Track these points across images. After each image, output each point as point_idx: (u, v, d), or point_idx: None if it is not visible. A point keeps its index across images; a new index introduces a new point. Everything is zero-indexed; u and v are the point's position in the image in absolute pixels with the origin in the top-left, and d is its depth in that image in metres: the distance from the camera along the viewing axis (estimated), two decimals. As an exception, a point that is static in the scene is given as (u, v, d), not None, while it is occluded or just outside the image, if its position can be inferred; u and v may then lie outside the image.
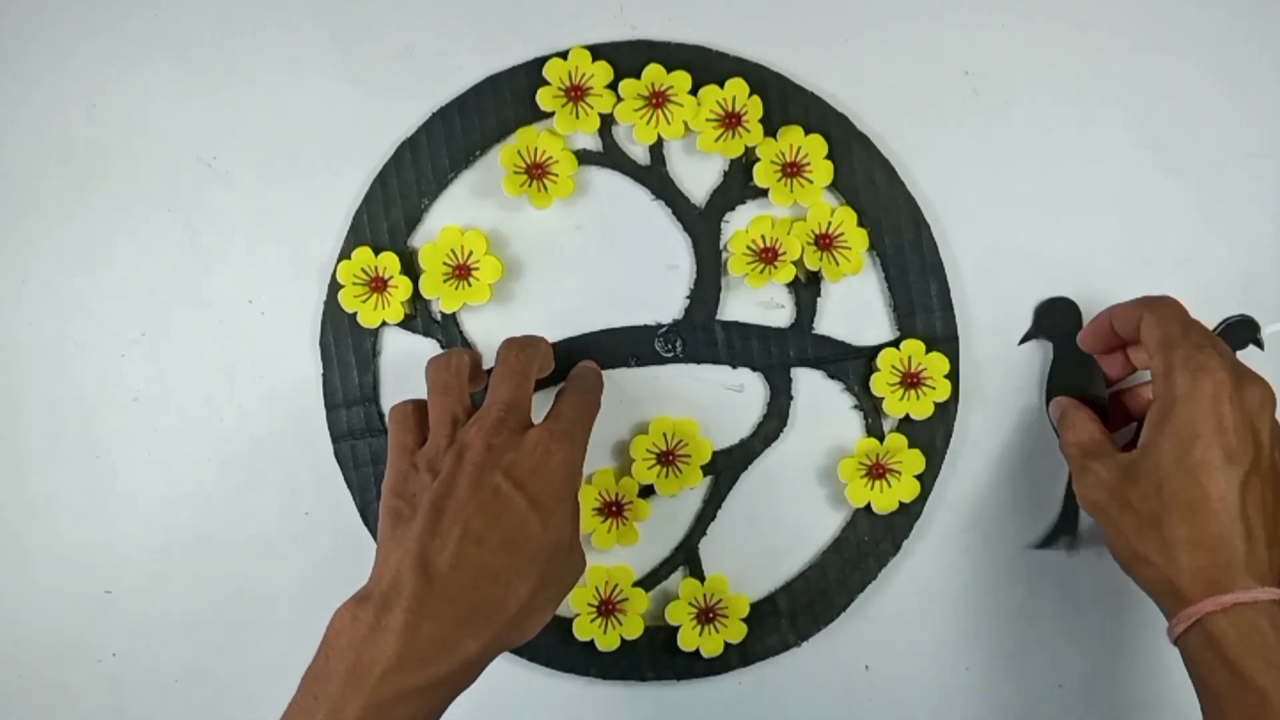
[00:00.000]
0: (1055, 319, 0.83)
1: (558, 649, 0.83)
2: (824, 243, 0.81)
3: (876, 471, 0.82)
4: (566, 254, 0.82)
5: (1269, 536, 0.65)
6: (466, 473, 0.67)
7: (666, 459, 0.81)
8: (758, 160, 0.81)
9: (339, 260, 0.81)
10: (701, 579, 0.82)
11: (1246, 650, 0.62)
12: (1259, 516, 0.65)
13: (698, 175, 0.82)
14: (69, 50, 0.83)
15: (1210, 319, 0.82)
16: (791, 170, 0.80)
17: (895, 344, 0.82)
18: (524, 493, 0.66)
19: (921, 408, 0.82)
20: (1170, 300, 0.72)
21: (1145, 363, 0.76)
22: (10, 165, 0.83)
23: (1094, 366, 0.80)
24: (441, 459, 0.69)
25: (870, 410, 0.83)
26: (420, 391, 0.76)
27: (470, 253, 0.80)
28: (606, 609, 0.82)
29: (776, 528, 0.83)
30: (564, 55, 0.80)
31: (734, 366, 0.82)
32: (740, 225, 0.81)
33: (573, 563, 0.71)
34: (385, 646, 0.61)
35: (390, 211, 0.81)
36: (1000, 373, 0.83)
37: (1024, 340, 0.83)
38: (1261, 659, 0.62)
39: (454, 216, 0.82)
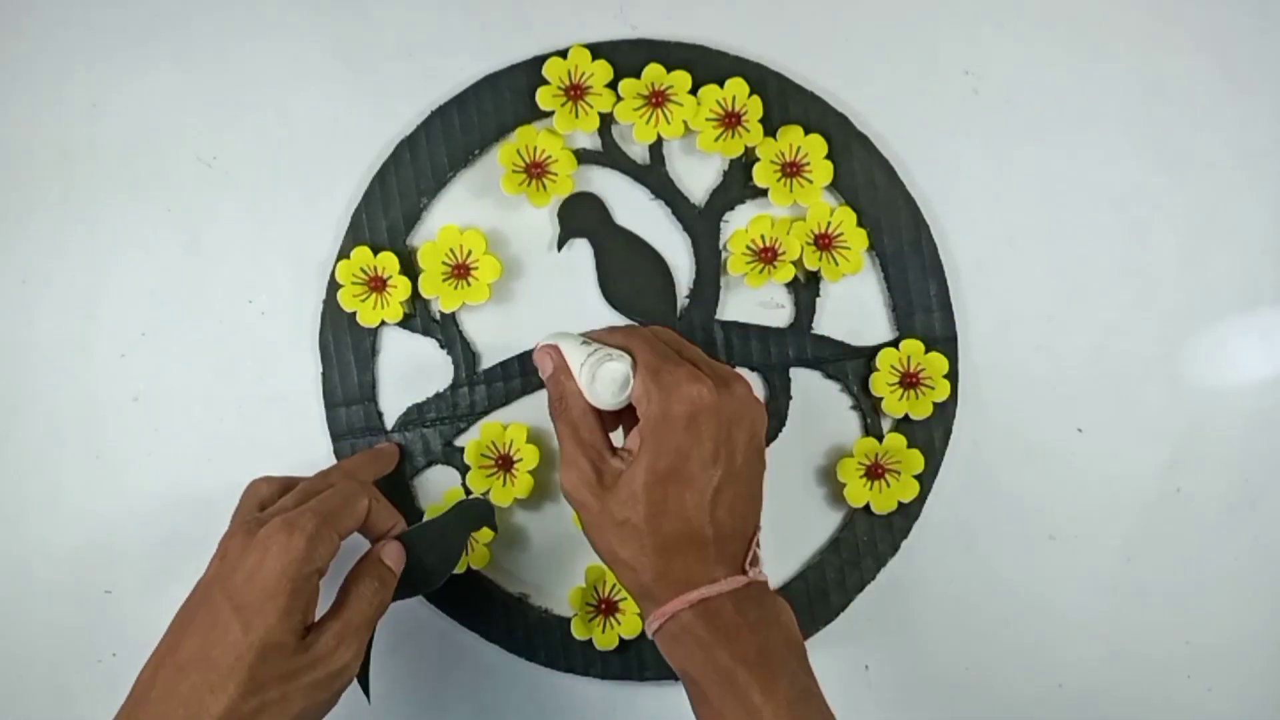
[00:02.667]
0: (581, 215, 0.82)
1: (557, 648, 0.83)
2: (823, 243, 0.81)
3: (875, 472, 0.82)
4: (565, 253, 0.82)
5: (735, 531, 0.69)
6: (198, 587, 0.70)
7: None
8: (757, 160, 0.81)
9: (338, 260, 0.81)
10: (701, 579, 0.82)
11: (713, 634, 0.66)
12: (727, 517, 0.69)
13: (697, 175, 0.82)
14: (69, 50, 0.83)
15: (1210, 319, 0.83)
16: (791, 170, 0.80)
17: (894, 344, 0.82)
18: (230, 600, 0.67)
19: (920, 408, 0.82)
20: (647, 331, 0.74)
21: None
22: (10, 165, 0.83)
23: (641, 246, 0.82)
24: None
25: (869, 410, 0.83)
26: (418, 391, 0.76)
27: (469, 252, 0.80)
28: (605, 608, 0.82)
29: (775, 528, 0.83)
30: (564, 54, 0.80)
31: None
32: (740, 225, 0.81)
33: (308, 658, 0.68)
34: None
35: (389, 211, 0.81)
36: (999, 373, 0.83)
37: (561, 246, 0.83)
38: (726, 639, 0.66)
39: (453, 216, 0.82)
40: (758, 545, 0.70)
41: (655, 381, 0.69)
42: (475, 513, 0.78)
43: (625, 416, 0.74)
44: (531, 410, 0.83)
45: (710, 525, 0.68)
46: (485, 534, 0.81)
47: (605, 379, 0.70)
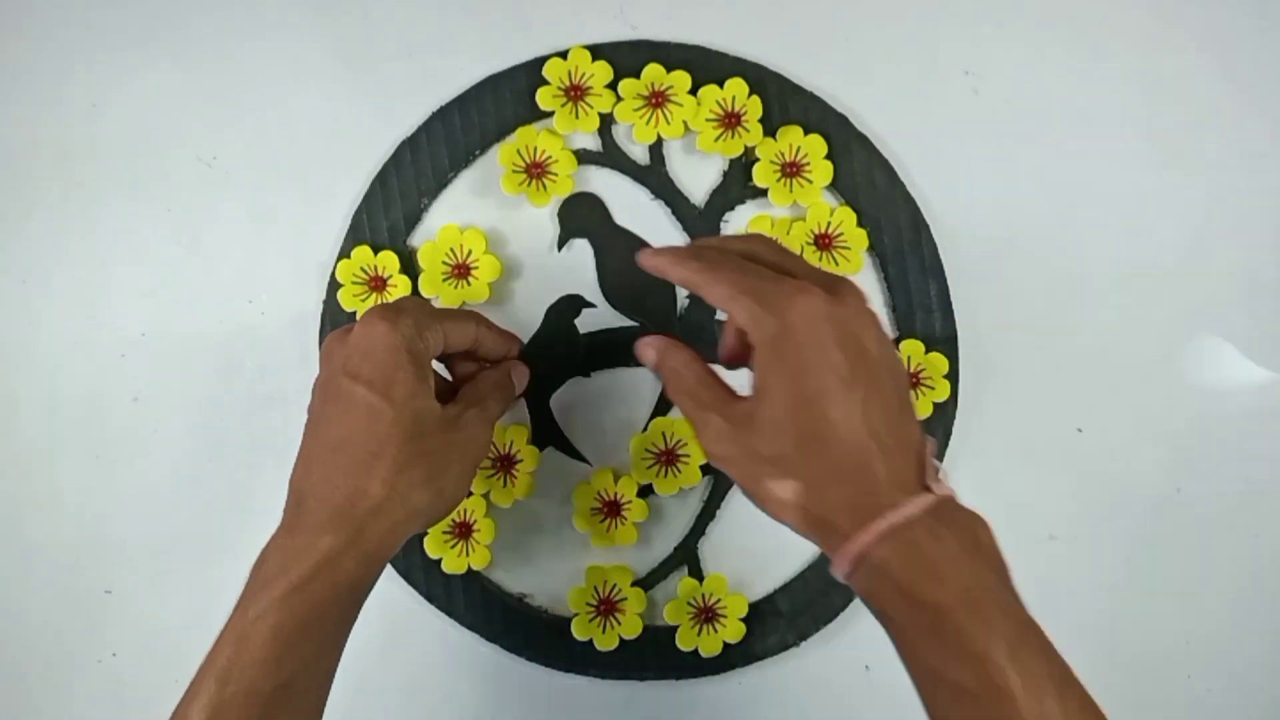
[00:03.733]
0: (581, 215, 0.82)
1: (557, 649, 0.83)
2: (823, 243, 0.81)
3: (876, 471, 0.82)
4: (565, 253, 0.82)
5: (899, 444, 0.61)
6: (316, 389, 0.69)
7: (666, 459, 0.81)
8: (757, 160, 0.81)
9: (338, 259, 0.81)
10: (700, 579, 0.82)
11: (912, 572, 0.58)
12: (885, 428, 0.61)
13: (697, 175, 0.82)
14: (69, 50, 0.83)
15: (1211, 319, 0.83)
16: (791, 170, 0.81)
17: (894, 344, 0.82)
18: (359, 381, 0.66)
19: (921, 408, 0.82)
20: (706, 249, 0.67)
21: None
22: (10, 165, 0.83)
23: (641, 247, 0.79)
24: None
25: (870, 410, 0.83)
26: None
27: (469, 252, 0.80)
28: (606, 609, 0.82)
29: (775, 528, 0.82)
30: (564, 55, 0.80)
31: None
32: (740, 225, 0.81)
33: (453, 436, 0.70)
34: (262, 569, 0.65)
35: (390, 211, 0.81)
36: (999, 373, 0.83)
37: (561, 246, 0.83)
38: (927, 576, 0.58)
39: (453, 216, 0.82)
40: (933, 455, 0.62)
41: (759, 303, 0.62)
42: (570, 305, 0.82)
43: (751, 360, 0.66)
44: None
45: (871, 439, 0.60)
46: (487, 534, 0.81)
47: None
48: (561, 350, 0.82)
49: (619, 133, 0.82)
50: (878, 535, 0.59)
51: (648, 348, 0.68)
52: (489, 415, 0.73)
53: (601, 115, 0.81)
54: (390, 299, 0.80)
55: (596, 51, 0.80)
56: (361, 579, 0.66)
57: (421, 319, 0.68)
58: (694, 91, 0.80)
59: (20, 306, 0.83)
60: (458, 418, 0.70)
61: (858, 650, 0.84)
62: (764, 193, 0.81)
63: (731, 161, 0.82)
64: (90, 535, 0.84)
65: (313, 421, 0.68)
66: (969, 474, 0.83)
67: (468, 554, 0.81)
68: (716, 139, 0.80)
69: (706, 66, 0.81)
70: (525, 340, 0.82)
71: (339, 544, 0.64)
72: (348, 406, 0.66)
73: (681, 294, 0.82)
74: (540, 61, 0.81)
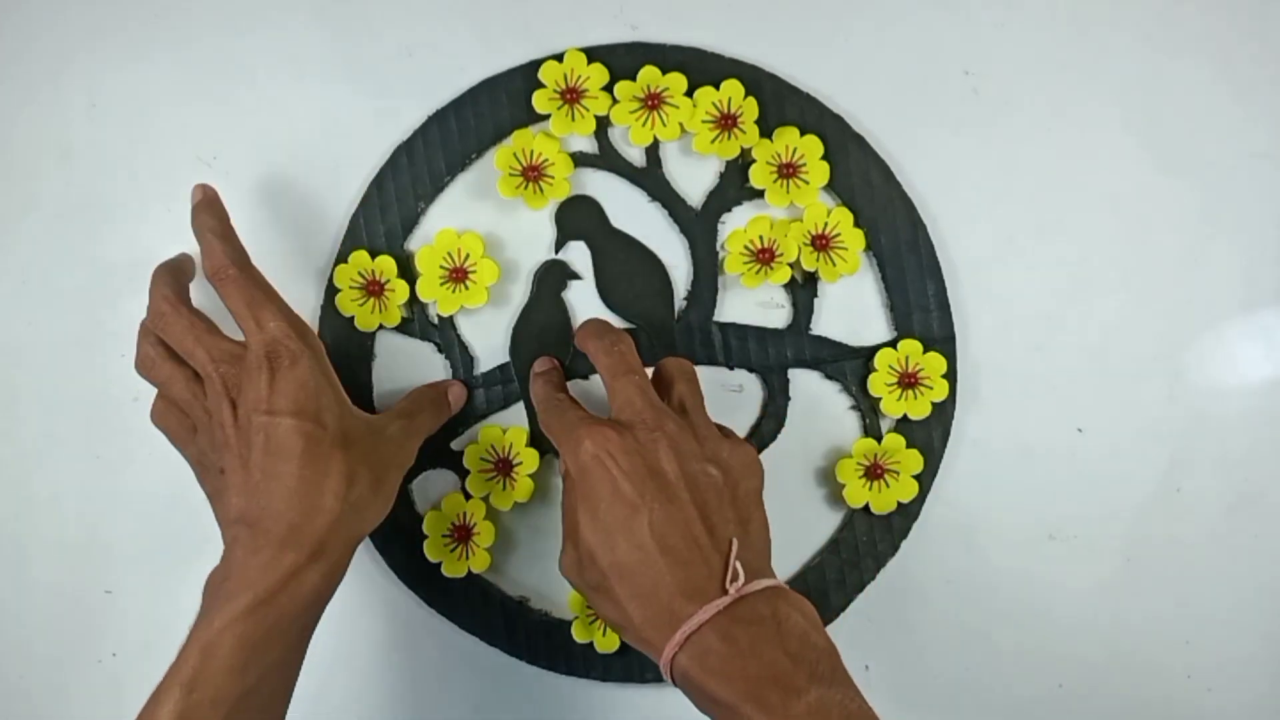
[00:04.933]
0: (578, 218, 0.82)
1: (557, 651, 0.83)
2: (821, 243, 0.81)
3: (874, 472, 0.82)
4: (563, 256, 0.82)
5: (695, 555, 0.66)
6: (228, 437, 0.70)
7: (664, 460, 0.81)
8: (754, 161, 0.80)
9: (335, 264, 0.81)
10: (700, 580, 0.82)
11: (704, 675, 0.63)
12: (681, 543, 0.66)
13: (694, 177, 0.82)
14: (69, 50, 0.83)
15: (1210, 319, 0.83)
16: (788, 171, 0.80)
17: (892, 344, 0.82)
18: (283, 415, 0.68)
19: (919, 408, 0.82)
20: (539, 376, 0.79)
21: None
22: (10, 165, 0.83)
23: (639, 249, 0.82)
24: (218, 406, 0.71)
25: (868, 411, 0.83)
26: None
27: (467, 255, 0.80)
28: (605, 610, 0.82)
29: (775, 528, 0.82)
30: (559, 58, 0.80)
31: (731, 367, 0.82)
32: (737, 225, 0.81)
33: (382, 446, 0.74)
34: (223, 585, 0.67)
35: (387, 215, 0.81)
36: (998, 372, 0.83)
37: (558, 249, 0.83)
38: (718, 676, 0.63)
39: (451, 219, 0.81)
40: (736, 560, 0.66)
41: (560, 444, 0.71)
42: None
43: None
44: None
45: (664, 557, 0.66)
46: (486, 537, 0.81)
47: None
48: (552, 335, 0.82)
49: (615, 135, 0.82)
50: (674, 646, 0.64)
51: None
52: (417, 428, 0.77)
53: (598, 118, 0.80)
54: (388, 303, 0.80)
55: (592, 54, 0.80)
56: (324, 590, 0.69)
57: (286, 325, 0.71)
58: (690, 93, 0.80)
59: (20, 306, 0.83)
60: (384, 428, 0.74)
61: (858, 650, 0.84)
62: (761, 194, 0.81)
63: (728, 163, 0.81)
64: (90, 535, 0.84)
65: (234, 463, 0.69)
66: (968, 474, 0.83)
67: (467, 557, 0.81)
68: (713, 141, 0.80)
69: (702, 68, 0.81)
70: (517, 314, 0.82)
71: (301, 559, 0.67)
72: (280, 440, 0.68)
73: (679, 296, 0.82)
74: (536, 64, 0.80)
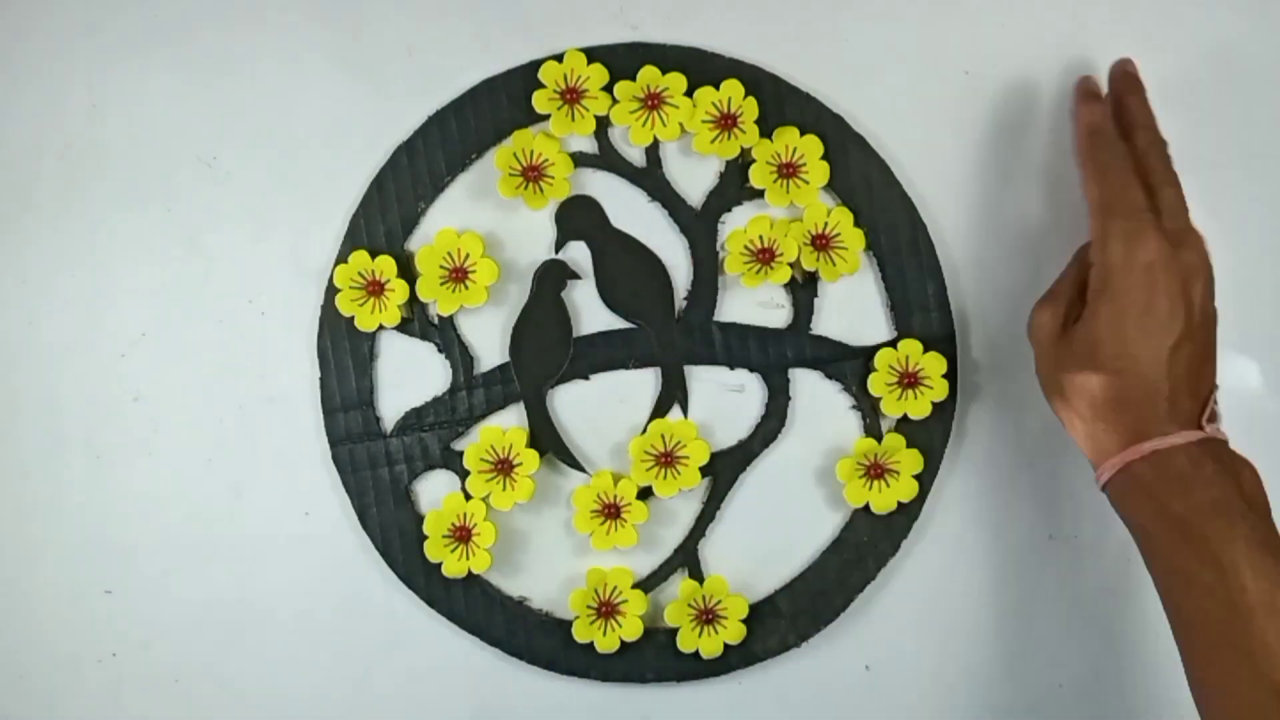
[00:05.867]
0: (578, 218, 0.82)
1: (558, 651, 0.83)
2: (821, 243, 0.81)
3: (875, 472, 0.82)
4: (563, 256, 0.82)
5: (1191, 389, 0.71)
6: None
7: (665, 460, 0.81)
8: (754, 161, 0.81)
9: (336, 264, 0.81)
10: (701, 580, 0.82)
11: (1164, 485, 0.68)
12: (1184, 374, 0.70)
13: (694, 177, 0.82)
14: (69, 50, 0.83)
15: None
16: (788, 171, 0.80)
17: (893, 344, 0.82)
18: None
19: (919, 408, 0.82)
20: (1108, 145, 0.76)
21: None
22: (10, 165, 0.83)
23: (639, 249, 0.82)
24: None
25: (868, 410, 0.83)
26: (416, 395, 0.79)
27: (467, 255, 0.80)
28: (606, 611, 0.82)
29: (775, 528, 0.83)
30: (559, 58, 0.80)
31: (731, 367, 0.82)
32: (737, 226, 0.81)
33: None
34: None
35: (387, 215, 0.81)
36: (998, 372, 0.83)
37: (558, 249, 0.83)
38: (1178, 490, 0.68)
39: (451, 219, 0.82)
40: (1215, 403, 0.72)
41: (1110, 232, 0.72)
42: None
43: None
44: (530, 413, 0.83)
45: (1166, 380, 0.70)
46: (487, 537, 0.81)
47: None
48: (552, 334, 0.82)
49: (615, 135, 0.82)
50: (1141, 454, 0.69)
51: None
52: None
53: (598, 118, 0.80)
54: (388, 303, 0.80)
55: (592, 54, 0.80)
56: None
57: None
58: (690, 93, 0.80)
59: (20, 306, 0.83)
60: None
61: (858, 650, 0.84)
62: (761, 193, 0.81)
63: (728, 163, 0.81)
64: (90, 535, 0.84)
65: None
66: (968, 474, 0.83)
67: (468, 558, 0.81)
68: (713, 140, 0.80)
69: (702, 68, 0.81)
70: (517, 313, 0.82)
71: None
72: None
73: (680, 296, 0.82)
74: (536, 64, 0.80)
